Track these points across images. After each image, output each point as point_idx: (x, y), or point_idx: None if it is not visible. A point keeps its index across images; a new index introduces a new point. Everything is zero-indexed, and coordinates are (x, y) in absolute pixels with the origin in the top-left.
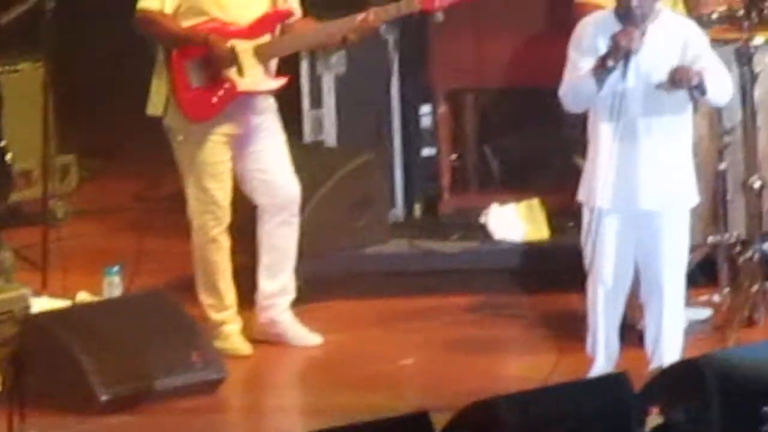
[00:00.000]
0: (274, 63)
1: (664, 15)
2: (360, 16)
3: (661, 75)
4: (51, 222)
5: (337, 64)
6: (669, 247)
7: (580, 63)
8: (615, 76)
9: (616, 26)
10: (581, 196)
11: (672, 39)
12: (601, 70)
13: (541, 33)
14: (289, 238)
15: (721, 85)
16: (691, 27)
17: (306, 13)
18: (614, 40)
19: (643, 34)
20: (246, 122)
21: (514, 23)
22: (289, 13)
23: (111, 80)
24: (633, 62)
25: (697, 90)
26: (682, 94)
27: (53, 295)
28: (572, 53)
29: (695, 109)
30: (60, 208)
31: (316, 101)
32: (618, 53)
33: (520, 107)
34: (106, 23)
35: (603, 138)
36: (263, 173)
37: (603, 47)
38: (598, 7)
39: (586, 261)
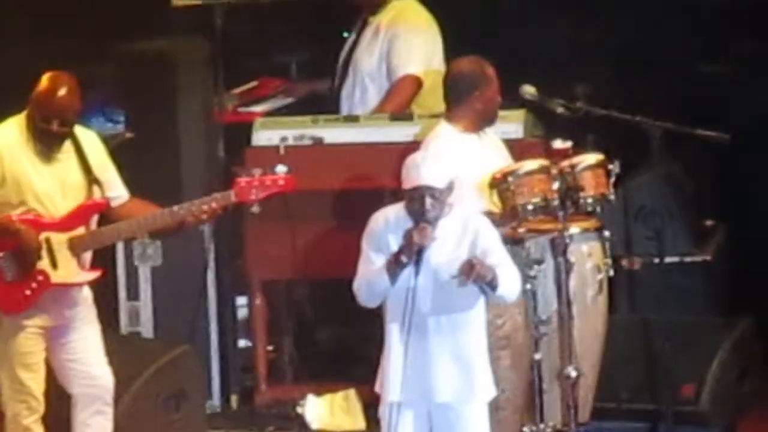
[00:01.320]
0: (88, 254)
1: (454, 210)
2: (174, 208)
3: (452, 269)
4: None
5: (153, 256)
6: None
7: (372, 257)
8: (407, 271)
9: (407, 221)
10: (377, 388)
11: (462, 233)
12: (395, 266)
13: (353, 225)
14: (104, 428)
15: (512, 282)
16: (481, 220)
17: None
18: (407, 236)
19: (434, 229)
20: (59, 314)
21: (326, 216)
22: (104, 205)
23: None
24: (423, 260)
25: (489, 285)
26: (472, 290)
27: None
28: (365, 246)
29: (487, 303)
30: None
31: (133, 293)
32: (411, 249)
33: (333, 298)
34: None
35: (394, 333)
36: (77, 363)
37: (394, 242)
38: None
39: None
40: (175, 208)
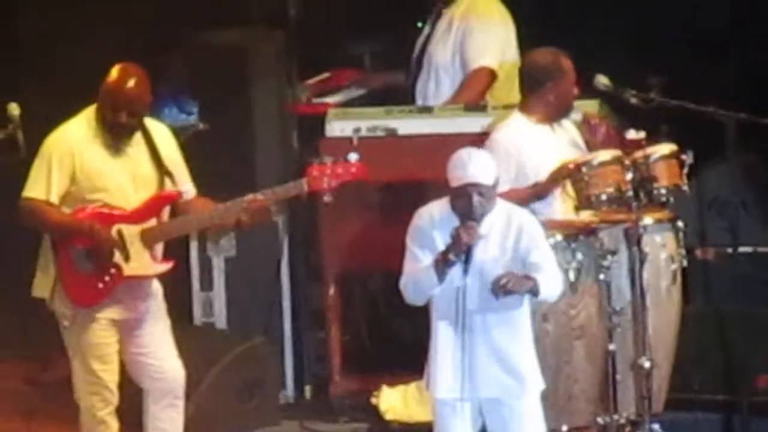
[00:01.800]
0: (160, 246)
1: (498, 205)
2: (248, 197)
3: (498, 267)
4: None
5: (227, 246)
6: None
7: (418, 255)
8: (454, 269)
9: (452, 218)
10: (425, 385)
11: (507, 228)
12: (443, 264)
13: None
14: (175, 420)
15: (553, 285)
16: (525, 216)
17: (206, 188)
18: (455, 235)
19: (480, 226)
20: (132, 307)
21: (400, 207)
22: (176, 196)
23: (3, 263)
24: (480, 240)
25: (529, 293)
26: None
27: None
28: (410, 244)
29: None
30: None
31: (207, 284)
32: (460, 248)
33: None
34: None
35: (441, 332)
36: (147, 357)
37: (440, 239)
38: None
39: None
40: (249, 197)
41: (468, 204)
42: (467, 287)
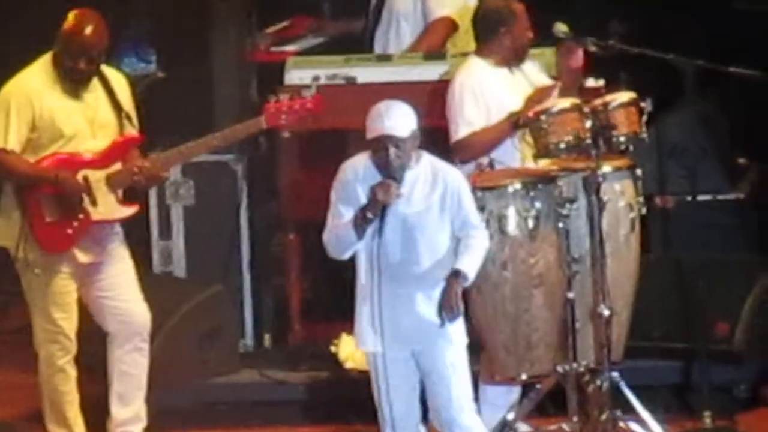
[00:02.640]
0: (121, 192)
1: (424, 159)
2: (208, 137)
3: (422, 219)
4: None
5: (186, 195)
6: (452, 378)
7: (341, 210)
8: (375, 225)
9: (375, 172)
10: (355, 340)
11: (432, 182)
12: (361, 221)
13: None
14: (141, 364)
15: (480, 252)
16: (451, 172)
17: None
18: (372, 193)
19: (400, 180)
20: (97, 251)
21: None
22: (139, 139)
23: None
24: (391, 211)
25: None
26: (440, 239)
27: None
28: (334, 198)
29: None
30: None
31: (165, 232)
32: (377, 206)
33: None
34: None
35: (363, 285)
36: (113, 300)
37: (363, 194)
38: None
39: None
40: (209, 137)
41: (385, 157)
42: (387, 240)
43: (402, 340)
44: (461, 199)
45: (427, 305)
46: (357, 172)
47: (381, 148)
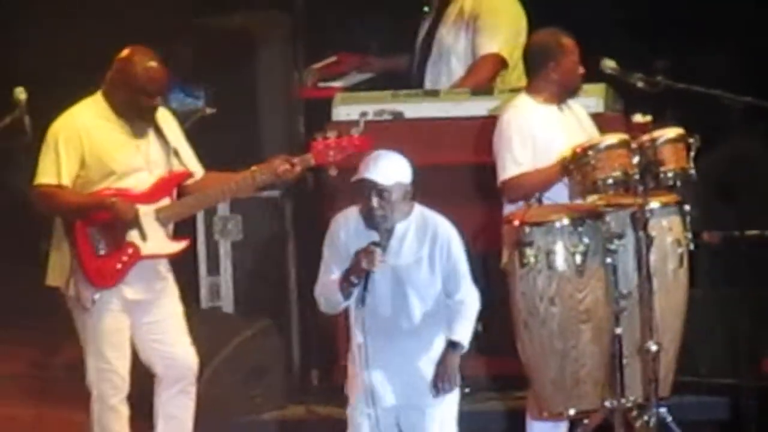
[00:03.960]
0: (171, 226)
1: (415, 211)
2: (255, 170)
3: (411, 272)
4: None
5: (233, 230)
6: None
7: (331, 266)
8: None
9: (363, 226)
10: (346, 390)
11: (423, 234)
12: (346, 285)
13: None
14: (186, 407)
15: (472, 323)
16: (442, 225)
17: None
18: (355, 259)
19: (390, 231)
20: (147, 288)
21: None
22: (186, 175)
23: (7, 248)
24: (382, 267)
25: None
26: (430, 291)
27: None
28: (325, 252)
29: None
30: None
31: (213, 267)
32: (360, 272)
33: None
34: None
35: (357, 339)
36: (161, 343)
37: (351, 249)
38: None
39: None
40: (256, 170)
41: (367, 204)
42: (377, 297)
43: (393, 395)
44: (450, 250)
45: (419, 361)
46: (348, 225)
47: (362, 192)
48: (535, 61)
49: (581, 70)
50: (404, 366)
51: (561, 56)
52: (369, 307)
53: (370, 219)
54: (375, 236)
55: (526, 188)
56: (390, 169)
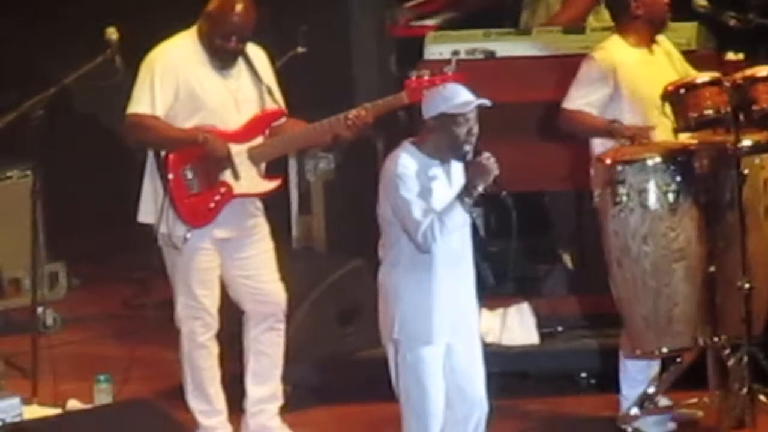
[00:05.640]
0: (263, 165)
1: None
2: (353, 112)
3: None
4: (41, 330)
5: (325, 170)
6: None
7: (422, 201)
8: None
9: (424, 162)
10: (396, 334)
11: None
12: (469, 196)
13: (526, 137)
14: (276, 344)
15: None
16: None
17: (307, 112)
18: (480, 167)
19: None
20: (238, 227)
21: (498, 128)
22: (280, 113)
23: (100, 187)
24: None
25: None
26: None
27: (43, 403)
28: (408, 194)
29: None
30: (49, 315)
31: (305, 207)
32: (485, 181)
33: (505, 212)
34: (92, 129)
35: (437, 272)
36: (251, 279)
37: (427, 183)
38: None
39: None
40: (351, 112)
41: (469, 129)
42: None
43: (455, 330)
44: None
45: (472, 298)
46: (414, 165)
47: (468, 119)
48: (617, 3)
49: (663, 1)
50: (459, 300)
51: None
52: (445, 238)
53: (465, 145)
54: (438, 169)
55: (574, 126)
56: None
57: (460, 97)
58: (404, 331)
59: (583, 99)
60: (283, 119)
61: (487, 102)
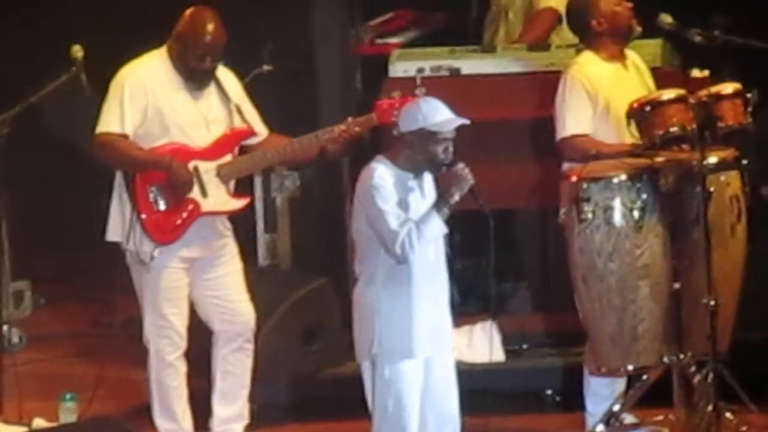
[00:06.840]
0: (232, 184)
1: None
2: (324, 130)
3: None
4: (6, 348)
5: (291, 187)
6: (455, 382)
7: (399, 211)
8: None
9: (401, 176)
10: (375, 349)
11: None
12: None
13: (489, 155)
14: (244, 364)
15: None
16: None
17: (271, 130)
18: (455, 177)
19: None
20: (207, 245)
21: (462, 146)
22: (249, 133)
23: (65, 206)
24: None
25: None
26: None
27: (8, 421)
28: (385, 205)
29: None
30: (15, 334)
31: (271, 225)
32: (462, 190)
33: (470, 230)
34: (57, 148)
35: (416, 285)
36: (220, 300)
37: (403, 196)
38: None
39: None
40: (320, 132)
41: (446, 147)
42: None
43: (431, 345)
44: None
45: (445, 306)
46: (390, 178)
47: (447, 139)
48: (577, 19)
49: (623, 6)
50: (436, 313)
51: (596, 4)
52: (421, 249)
53: (442, 162)
54: (412, 182)
55: (582, 150)
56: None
57: (441, 115)
58: (384, 345)
59: (582, 124)
60: (261, 137)
61: (466, 121)
